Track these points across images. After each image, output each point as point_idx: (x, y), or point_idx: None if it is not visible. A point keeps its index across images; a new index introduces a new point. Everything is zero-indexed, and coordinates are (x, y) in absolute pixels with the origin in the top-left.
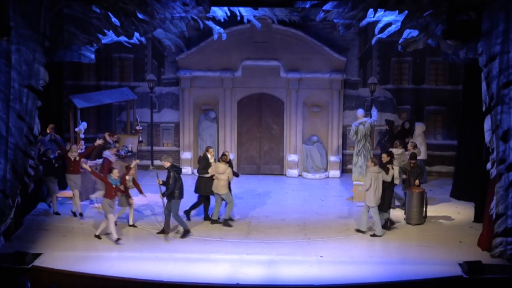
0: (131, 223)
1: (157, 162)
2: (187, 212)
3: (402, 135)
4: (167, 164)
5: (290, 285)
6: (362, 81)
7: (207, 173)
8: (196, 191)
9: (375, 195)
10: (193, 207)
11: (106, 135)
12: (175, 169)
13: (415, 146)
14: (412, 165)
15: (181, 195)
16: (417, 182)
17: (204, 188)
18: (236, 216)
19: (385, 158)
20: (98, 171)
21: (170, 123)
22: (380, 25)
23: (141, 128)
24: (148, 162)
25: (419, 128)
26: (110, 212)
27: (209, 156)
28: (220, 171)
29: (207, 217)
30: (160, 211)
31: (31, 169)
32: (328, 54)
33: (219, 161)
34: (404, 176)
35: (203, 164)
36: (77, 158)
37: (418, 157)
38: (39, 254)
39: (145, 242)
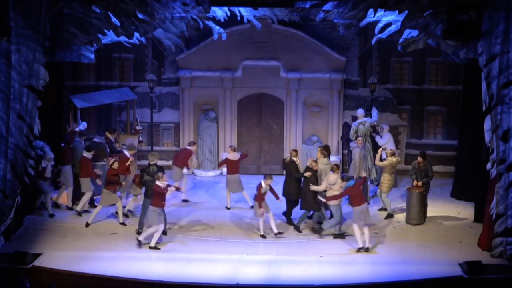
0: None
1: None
2: (288, 218)
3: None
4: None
5: (290, 285)
6: (362, 81)
7: (302, 175)
8: (284, 194)
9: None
10: (289, 213)
11: (108, 134)
12: (148, 171)
13: (393, 154)
14: (421, 164)
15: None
16: (419, 182)
17: (295, 192)
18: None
19: (319, 154)
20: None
21: (170, 123)
22: (380, 25)
23: (141, 128)
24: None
25: (385, 129)
26: None
27: (295, 159)
28: (331, 182)
29: (290, 221)
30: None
31: (31, 169)
32: (328, 54)
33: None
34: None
35: (294, 168)
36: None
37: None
38: (39, 254)
39: (145, 242)
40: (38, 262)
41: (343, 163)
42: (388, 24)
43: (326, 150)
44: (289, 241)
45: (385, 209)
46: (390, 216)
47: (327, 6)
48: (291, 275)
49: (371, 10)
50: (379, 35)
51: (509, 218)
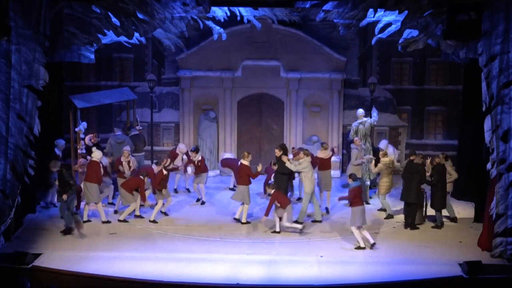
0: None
1: None
2: (412, 222)
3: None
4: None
5: (290, 285)
6: (362, 81)
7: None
8: (405, 199)
9: (312, 182)
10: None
11: (87, 138)
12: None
13: (385, 154)
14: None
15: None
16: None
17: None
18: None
19: (277, 152)
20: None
21: (170, 123)
22: (380, 25)
23: (141, 128)
24: (148, 162)
25: (384, 145)
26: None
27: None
28: None
29: (413, 225)
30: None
31: (31, 169)
32: (328, 54)
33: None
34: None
35: (423, 171)
36: None
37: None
38: (39, 254)
39: (145, 242)
40: (38, 262)
41: (343, 163)
42: (388, 24)
43: (282, 149)
44: (289, 241)
45: (384, 210)
46: (390, 216)
47: (327, 6)
48: (291, 275)
49: (371, 10)
50: (379, 35)
51: (509, 218)
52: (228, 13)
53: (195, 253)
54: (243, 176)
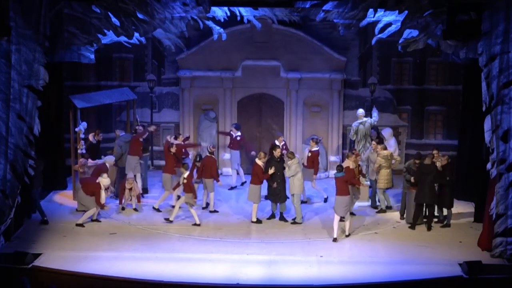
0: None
1: (157, 162)
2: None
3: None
4: None
5: (290, 285)
6: (362, 81)
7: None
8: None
9: (300, 183)
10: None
11: (90, 135)
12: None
13: (384, 148)
14: (416, 165)
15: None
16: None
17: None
18: None
19: (278, 152)
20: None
21: (170, 123)
22: (380, 25)
23: (141, 128)
24: (148, 162)
25: (388, 133)
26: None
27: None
28: None
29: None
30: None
31: (31, 169)
32: (328, 54)
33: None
34: (411, 177)
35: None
36: None
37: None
38: (39, 254)
39: (145, 242)
40: (38, 262)
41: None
42: (388, 24)
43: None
44: (289, 241)
45: (384, 211)
46: (382, 211)
47: (327, 6)
48: (291, 275)
49: (371, 10)
50: (379, 35)
51: (509, 218)
52: (228, 13)
53: (195, 253)
54: (255, 175)
